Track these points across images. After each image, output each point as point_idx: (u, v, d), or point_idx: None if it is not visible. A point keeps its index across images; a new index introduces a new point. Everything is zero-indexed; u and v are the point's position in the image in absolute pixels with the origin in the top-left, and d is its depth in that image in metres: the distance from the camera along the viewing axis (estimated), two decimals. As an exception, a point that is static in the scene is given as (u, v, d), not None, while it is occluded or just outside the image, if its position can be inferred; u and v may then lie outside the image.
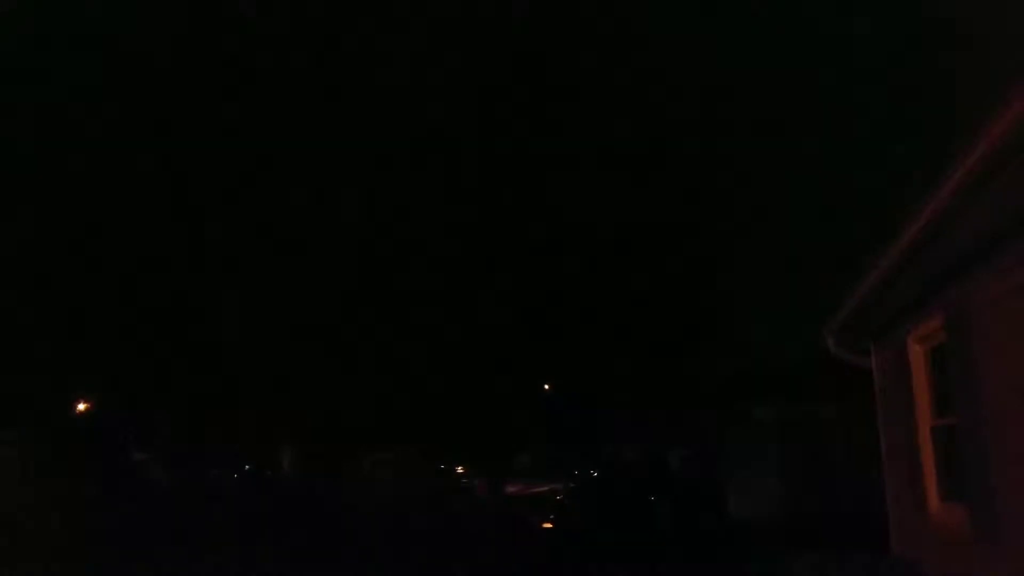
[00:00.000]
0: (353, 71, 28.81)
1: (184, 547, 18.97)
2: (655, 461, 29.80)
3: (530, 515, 25.13)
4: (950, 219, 4.33)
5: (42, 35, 21.86)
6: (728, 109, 26.80)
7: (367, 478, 47.42)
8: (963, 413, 5.38)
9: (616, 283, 30.19)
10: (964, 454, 5.41)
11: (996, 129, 3.32)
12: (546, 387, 36.57)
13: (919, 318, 6.25)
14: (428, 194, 30.21)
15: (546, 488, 39.58)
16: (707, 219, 28.43)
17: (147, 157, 27.35)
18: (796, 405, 20.44)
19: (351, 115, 29.20)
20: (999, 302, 4.56)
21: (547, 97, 27.96)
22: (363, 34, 28.16)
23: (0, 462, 24.93)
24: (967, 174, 3.78)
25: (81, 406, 32.53)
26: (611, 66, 27.17)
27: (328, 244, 31.70)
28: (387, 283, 31.81)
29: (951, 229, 4.47)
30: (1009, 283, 4.40)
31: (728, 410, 24.95)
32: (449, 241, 31.08)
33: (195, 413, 36.79)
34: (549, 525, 22.51)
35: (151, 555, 17.60)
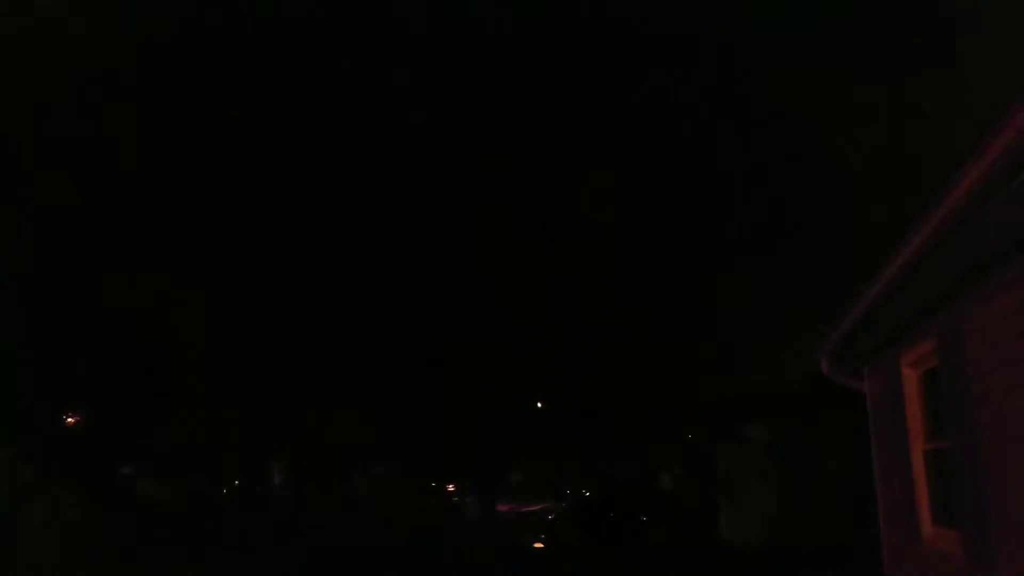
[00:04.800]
0: (352, 80, 28.85)
1: (174, 561, 18.80)
2: (648, 481, 29.73)
3: (522, 534, 25.00)
4: (944, 242, 4.33)
5: (32, 31, 21.76)
6: (723, 130, 26.93)
7: (358, 494, 47.16)
8: (955, 437, 5.37)
9: (609, 302, 30.15)
10: (957, 478, 5.39)
11: (992, 151, 3.33)
12: (538, 405, 36.46)
13: (912, 341, 6.25)
14: (424, 208, 30.18)
15: (537, 507, 39.48)
16: (701, 238, 28.43)
17: (144, 167, 27.27)
18: (790, 425, 20.41)
19: (350, 125, 29.23)
20: (991, 326, 4.56)
21: (545, 111, 28.01)
22: (366, 41, 28.20)
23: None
24: (961, 198, 3.79)
25: (70, 419, 32.29)
26: (611, 82, 27.29)
27: (323, 260, 31.63)
28: (380, 299, 31.73)
29: (945, 252, 4.47)
30: (1001, 307, 4.40)
31: (721, 430, 24.89)
32: (443, 255, 31.02)
33: (185, 426, 36.55)
34: (540, 545, 22.38)
35: (142, 570, 17.43)
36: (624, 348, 30.41)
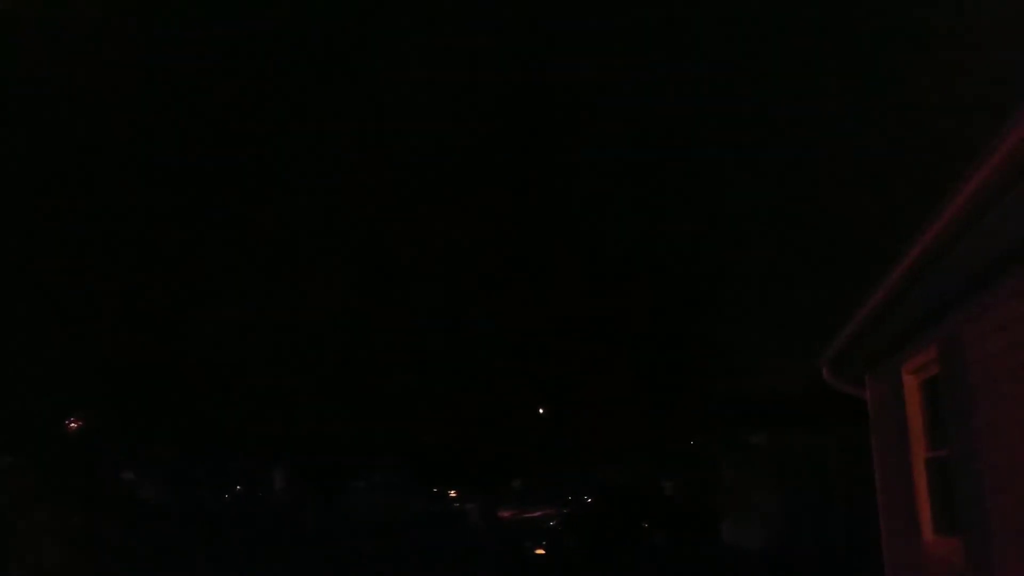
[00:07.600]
0: (355, 86, 28.95)
1: (176, 569, 18.77)
2: (650, 488, 29.68)
3: (523, 540, 24.93)
4: (946, 250, 4.33)
5: (33, 32, 21.84)
6: (728, 136, 26.98)
7: (360, 500, 47.04)
8: (956, 445, 5.37)
9: (614, 310, 30.17)
10: (958, 486, 5.38)
11: (993, 159, 3.33)
12: (541, 412, 36.45)
13: (913, 349, 6.25)
14: (425, 216, 30.25)
15: (539, 513, 39.40)
16: (705, 246, 28.48)
17: (150, 172, 27.39)
18: (793, 433, 20.38)
19: (349, 132, 29.32)
20: (991, 335, 4.56)
21: (543, 119, 28.07)
22: (369, 46, 28.32)
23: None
24: (962, 207, 3.79)
25: (72, 425, 32.29)
26: (612, 88, 27.35)
27: (325, 265, 31.69)
28: (383, 305, 31.76)
29: (947, 260, 4.48)
30: (1001, 316, 4.40)
31: (724, 437, 24.84)
32: (446, 264, 31.06)
33: (187, 432, 36.55)
34: (542, 551, 22.33)
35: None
36: (627, 355, 30.42)
